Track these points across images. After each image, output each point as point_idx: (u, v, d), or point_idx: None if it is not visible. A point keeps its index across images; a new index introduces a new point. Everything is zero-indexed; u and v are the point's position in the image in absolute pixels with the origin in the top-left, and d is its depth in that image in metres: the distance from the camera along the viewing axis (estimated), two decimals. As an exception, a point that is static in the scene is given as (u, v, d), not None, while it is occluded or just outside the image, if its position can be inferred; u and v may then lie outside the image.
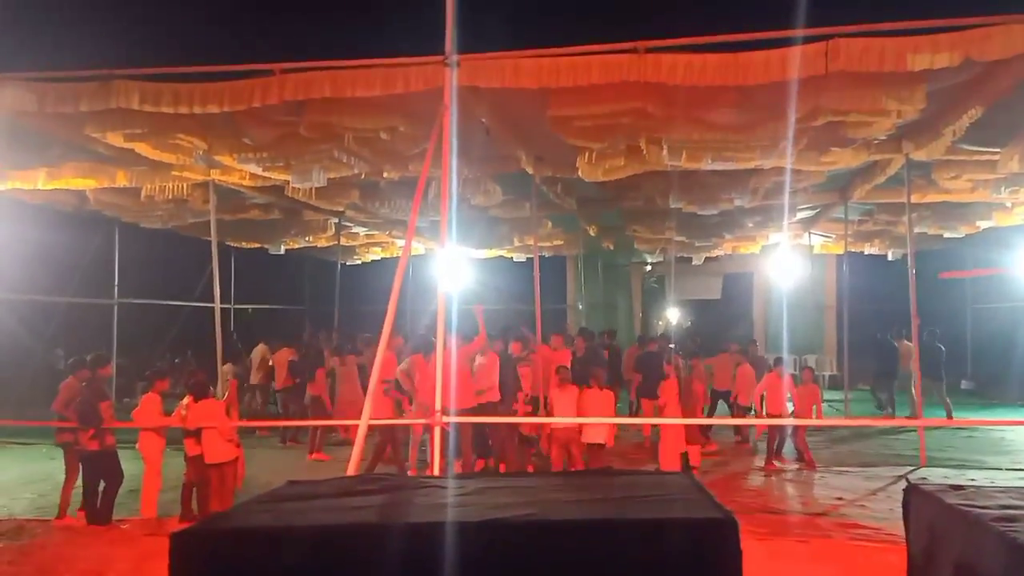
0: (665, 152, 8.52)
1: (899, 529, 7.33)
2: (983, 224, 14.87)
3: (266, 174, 9.77)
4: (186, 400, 7.90)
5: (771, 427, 10.59)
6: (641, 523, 2.51)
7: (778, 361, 11.16)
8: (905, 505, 3.75)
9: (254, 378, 13.83)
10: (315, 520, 2.65)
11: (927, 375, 13.89)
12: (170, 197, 11.72)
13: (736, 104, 7.53)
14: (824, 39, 6.54)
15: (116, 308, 15.09)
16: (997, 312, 18.32)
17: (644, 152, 8.72)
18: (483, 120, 8.26)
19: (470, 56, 7.12)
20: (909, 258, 10.84)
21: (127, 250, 15.11)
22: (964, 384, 19.44)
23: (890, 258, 18.24)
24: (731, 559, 2.43)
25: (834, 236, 18.32)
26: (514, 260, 19.08)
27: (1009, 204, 13.30)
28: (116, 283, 15.15)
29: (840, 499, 8.68)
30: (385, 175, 10.24)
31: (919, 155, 9.54)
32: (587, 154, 9.15)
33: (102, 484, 7.83)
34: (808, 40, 6.61)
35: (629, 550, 2.39)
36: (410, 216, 13.06)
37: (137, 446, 8.02)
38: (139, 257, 15.71)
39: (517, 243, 16.93)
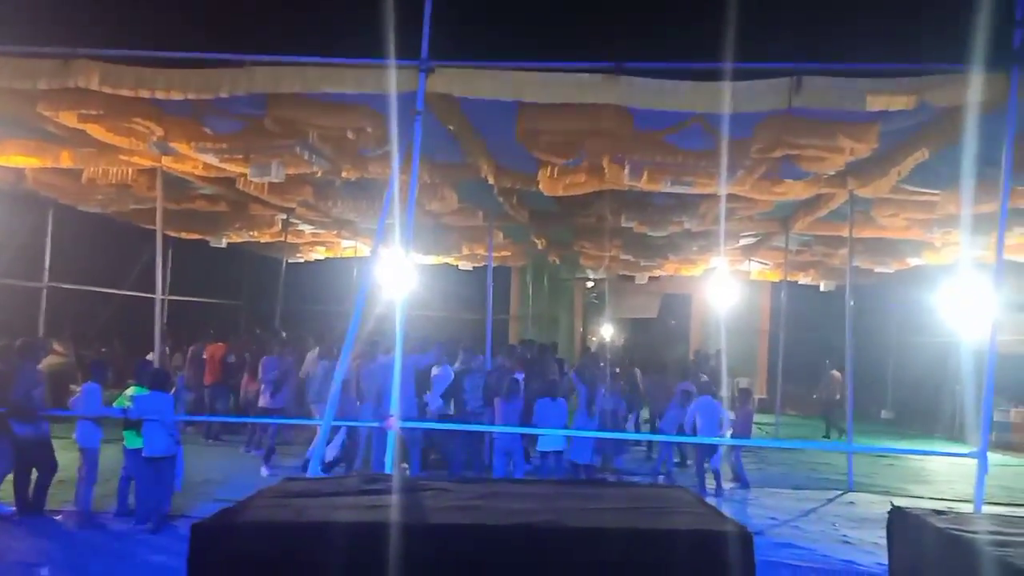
0: (627, 172, 8.69)
1: (832, 550, 7.72)
2: (913, 261, 15.56)
3: (222, 165, 9.58)
4: (130, 391, 7.67)
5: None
6: (664, 533, 2.57)
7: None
8: (889, 527, 3.91)
9: None
10: (338, 517, 2.64)
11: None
12: (113, 181, 11.41)
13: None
14: (790, 75, 6.78)
15: (45, 292, 14.53)
16: (919, 347, 19.13)
17: (606, 170, 8.87)
18: (450, 128, 8.27)
19: (445, 63, 7.13)
20: (847, 289, 11.24)
21: (60, 232, 14.58)
22: (884, 414, 20.27)
23: (822, 289, 18.89)
24: (748, 570, 2.52)
25: (771, 264, 18.90)
26: (459, 268, 19.08)
27: (939, 244, 13.94)
28: (47, 266, 14.60)
29: (775, 519, 8.94)
30: (344, 175, 10.14)
31: (864, 192, 9.93)
32: (549, 168, 9.27)
33: (35, 473, 7.55)
34: (775, 74, 6.84)
35: (651, 559, 2.45)
36: (366, 218, 13.13)
37: (74, 436, 7.73)
38: (72, 240, 15.17)
39: (466, 251, 16.95)
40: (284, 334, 14.49)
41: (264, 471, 9.81)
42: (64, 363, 11.46)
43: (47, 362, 13.43)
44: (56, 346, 13.90)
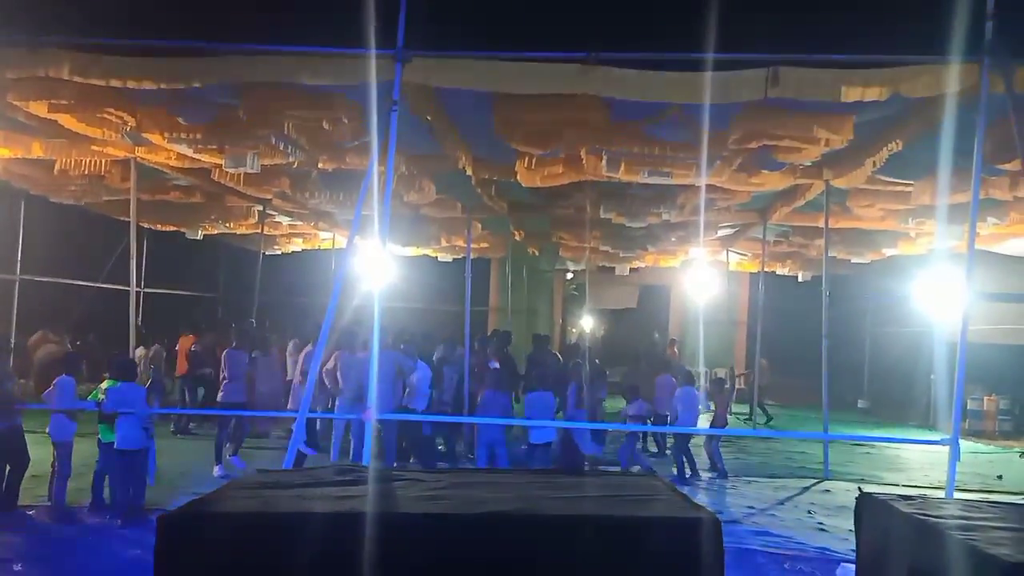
0: (604, 162, 8.69)
1: (807, 537, 7.79)
2: (888, 252, 15.71)
3: (197, 156, 9.48)
4: (104, 384, 7.58)
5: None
6: (633, 520, 2.58)
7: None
8: (857, 512, 3.95)
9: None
10: (307, 507, 2.62)
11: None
12: (86, 172, 11.25)
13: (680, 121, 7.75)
14: (766, 66, 6.80)
15: (18, 284, 14.34)
16: (894, 336, 19.34)
17: (583, 161, 8.87)
18: (428, 117, 8.22)
19: (422, 53, 7.08)
20: (824, 280, 11.33)
21: (32, 224, 14.38)
22: (860, 403, 20.49)
23: (800, 279, 19.05)
24: (717, 556, 2.55)
25: (749, 255, 19.03)
26: (439, 260, 19.03)
27: (913, 234, 14.10)
28: (19, 258, 14.40)
29: (752, 507, 9.02)
30: (320, 165, 10.07)
31: (839, 183, 10.01)
32: (527, 159, 9.25)
33: (6, 468, 7.45)
34: (751, 65, 6.86)
35: (621, 546, 2.47)
36: (343, 209, 13.04)
37: (47, 430, 7.63)
38: (45, 232, 14.96)
39: (444, 243, 16.90)
40: (252, 324, 14.27)
41: (217, 471, 9.62)
42: (59, 353, 11.33)
43: (43, 352, 13.31)
44: (51, 336, 13.74)
